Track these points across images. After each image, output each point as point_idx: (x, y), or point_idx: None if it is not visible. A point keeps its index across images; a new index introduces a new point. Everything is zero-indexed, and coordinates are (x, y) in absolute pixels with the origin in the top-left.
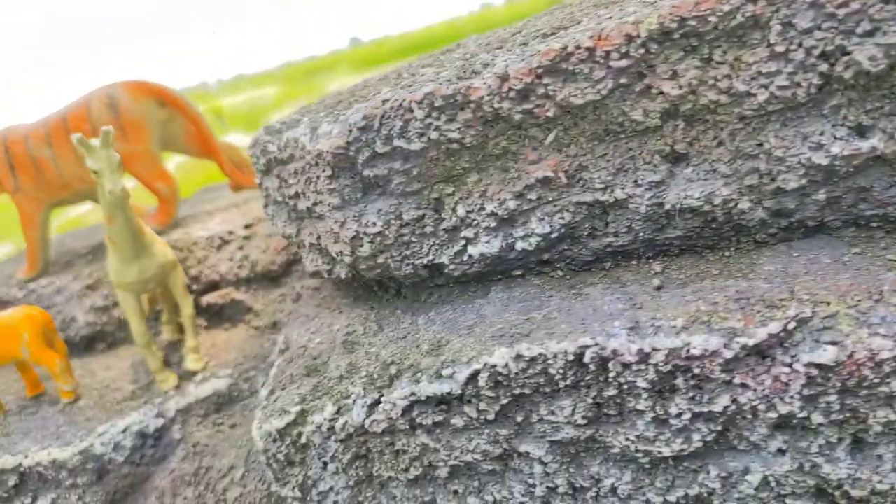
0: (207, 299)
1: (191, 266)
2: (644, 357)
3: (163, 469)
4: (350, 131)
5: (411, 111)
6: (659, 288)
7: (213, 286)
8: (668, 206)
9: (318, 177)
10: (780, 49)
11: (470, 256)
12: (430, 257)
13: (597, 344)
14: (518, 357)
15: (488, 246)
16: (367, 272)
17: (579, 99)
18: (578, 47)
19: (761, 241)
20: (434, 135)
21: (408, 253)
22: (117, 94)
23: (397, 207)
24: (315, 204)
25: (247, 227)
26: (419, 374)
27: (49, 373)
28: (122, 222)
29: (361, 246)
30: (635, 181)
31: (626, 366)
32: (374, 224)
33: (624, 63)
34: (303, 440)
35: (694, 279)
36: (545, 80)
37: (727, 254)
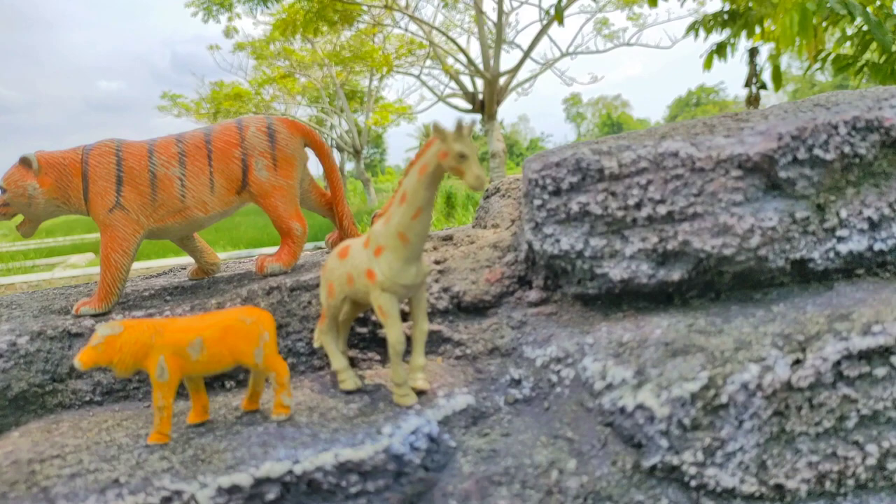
0: None
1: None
2: None
3: (450, 475)
4: (780, 138)
5: (836, 128)
6: None
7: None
8: None
9: (709, 180)
10: None
11: (836, 253)
12: (803, 252)
13: None
14: None
15: (857, 244)
16: (730, 266)
17: None
18: None
19: None
20: (847, 149)
21: (787, 247)
22: (275, 125)
23: (791, 207)
24: (688, 206)
25: (437, 262)
26: (843, 334)
27: (275, 383)
28: (426, 221)
29: (751, 238)
30: None
31: None
32: (770, 219)
33: None
34: (720, 400)
35: None
36: None
37: None
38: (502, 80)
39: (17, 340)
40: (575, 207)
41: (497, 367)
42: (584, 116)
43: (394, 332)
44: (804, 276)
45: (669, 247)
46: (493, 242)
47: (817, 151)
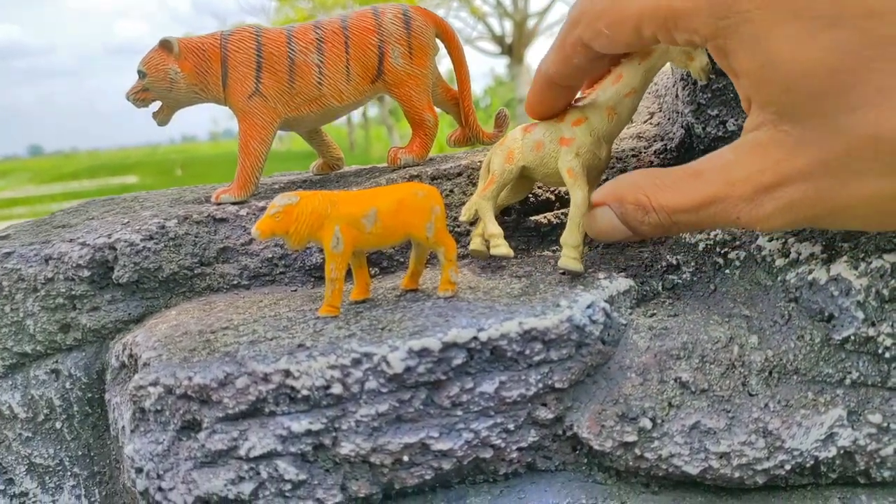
0: (537, 219)
1: None
2: None
3: (625, 350)
4: None
5: None
6: None
7: (545, 206)
8: None
9: None
10: None
11: None
12: None
13: None
14: None
15: None
16: None
17: None
18: None
19: None
20: None
21: None
22: (410, 11)
23: None
24: None
25: None
26: None
27: (444, 259)
28: (636, 103)
29: None
30: None
31: None
32: None
33: None
34: None
35: None
36: None
37: None
38: (531, 23)
39: (166, 224)
40: None
41: (650, 254)
42: None
43: (580, 193)
44: None
45: None
46: (633, 134)
47: None
